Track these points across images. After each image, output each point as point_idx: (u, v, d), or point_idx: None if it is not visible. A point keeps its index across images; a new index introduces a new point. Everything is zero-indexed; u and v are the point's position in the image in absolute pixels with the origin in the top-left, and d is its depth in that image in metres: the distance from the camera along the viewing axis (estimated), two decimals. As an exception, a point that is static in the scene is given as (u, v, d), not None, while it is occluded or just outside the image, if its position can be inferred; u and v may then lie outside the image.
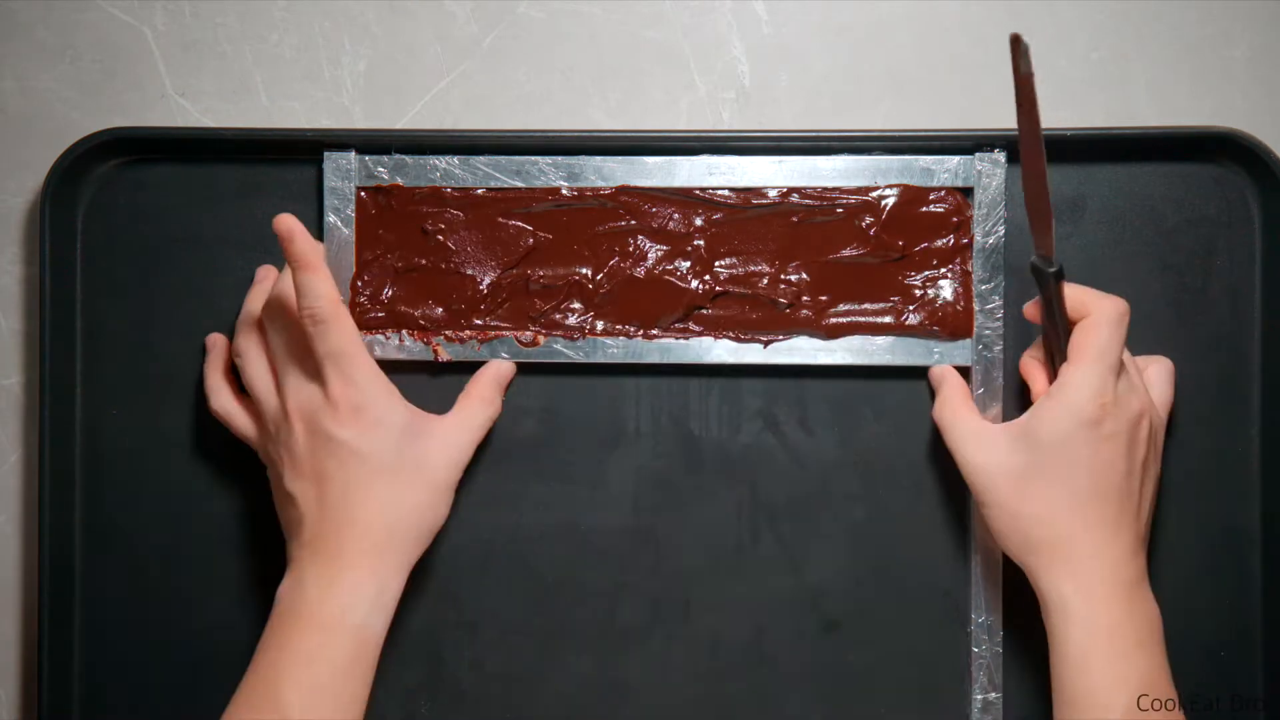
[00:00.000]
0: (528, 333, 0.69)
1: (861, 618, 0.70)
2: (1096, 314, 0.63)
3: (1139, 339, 0.69)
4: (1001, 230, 0.68)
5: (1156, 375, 0.66)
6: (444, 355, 0.69)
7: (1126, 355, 0.64)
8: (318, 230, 0.70)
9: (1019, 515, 0.63)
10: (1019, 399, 0.69)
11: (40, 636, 0.70)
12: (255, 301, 0.68)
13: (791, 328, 0.69)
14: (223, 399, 0.68)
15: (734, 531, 0.70)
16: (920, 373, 0.69)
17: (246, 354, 0.67)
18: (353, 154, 0.69)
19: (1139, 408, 0.63)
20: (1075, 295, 0.64)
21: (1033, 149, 0.59)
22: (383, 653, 0.70)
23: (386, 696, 0.71)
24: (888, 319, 0.69)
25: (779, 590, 0.70)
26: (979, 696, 0.69)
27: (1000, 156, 0.68)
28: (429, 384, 0.70)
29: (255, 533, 0.71)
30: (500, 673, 0.71)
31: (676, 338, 0.69)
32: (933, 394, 0.68)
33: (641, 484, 0.71)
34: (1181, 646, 0.69)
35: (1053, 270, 0.62)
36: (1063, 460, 0.62)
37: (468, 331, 0.69)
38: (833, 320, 0.69)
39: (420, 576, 0.71)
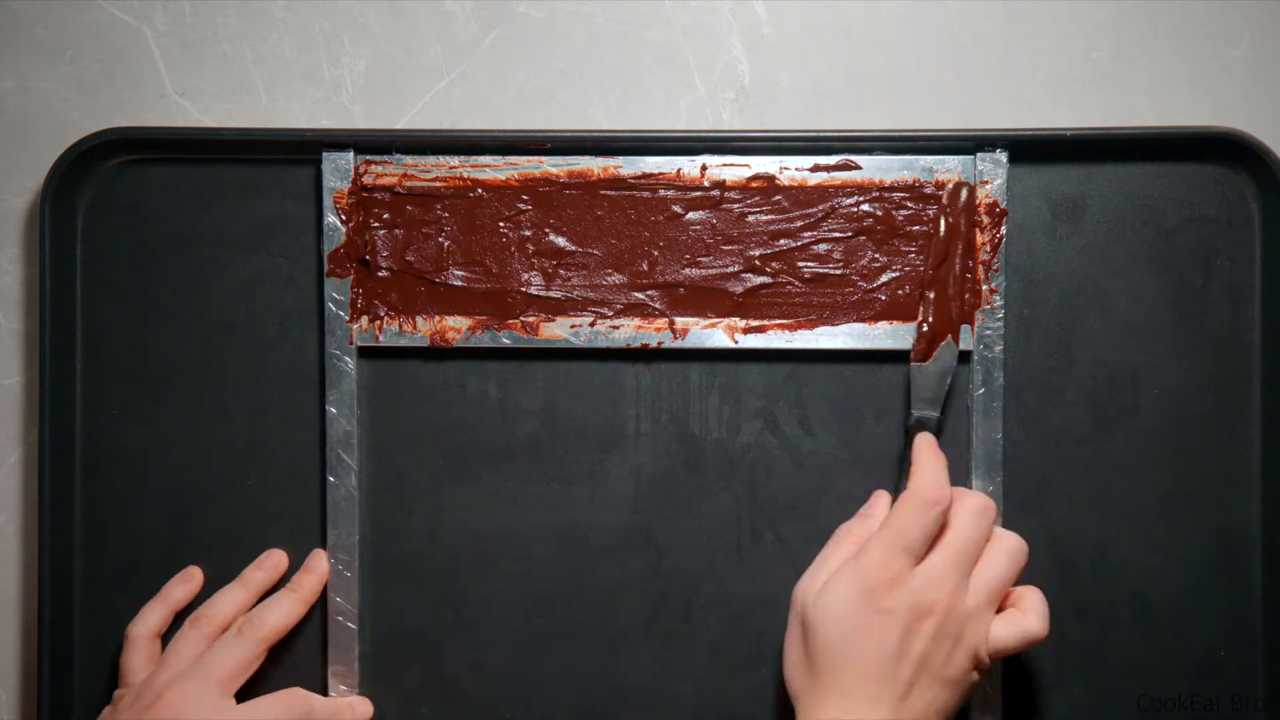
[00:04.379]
0: (528, 321, 0.69)
1: (861, 618, 0.70)
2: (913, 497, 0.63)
3: (1140, 339, 0.69)
4: (1002, 230, 0.68)
5: (1030, 602, 0.64)
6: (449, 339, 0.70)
7: (990, 568, 0.62)
8: (317, 230, 0.70)
9: (792, 650, 0.63)
10: (1019, 399, 0.69)
11: (40, 636, 0.70)
12: (225, 604, 0.69)
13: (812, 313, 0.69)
14: (144, 625, 0.69)
15: (734, 531, 0.70)
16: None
17: (190, 635, 0.68)
18: (352, 154, 0.69)
19: (933, 601, 0.61)
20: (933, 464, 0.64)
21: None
22: (383, 653, 0.71)
23: (386, 696, 0.71)
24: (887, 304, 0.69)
25: (779, 590, 0.70)
26: (979, 696, 0.69)
27: (1001, 156, 0.68)
28: (426, 371, 0.70)
29: (255, 533, 0.71)
30: (500, 673, 0.71)
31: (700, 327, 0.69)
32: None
33: (641, 484, 0.71)
34: (1181, 646, 0.69)
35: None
36: (833, 617, 0.61)
37: (469, 320, 0.69)
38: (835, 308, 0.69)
39: (421, 577, 0.71)
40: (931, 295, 0.67)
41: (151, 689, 0.66)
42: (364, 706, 0.70)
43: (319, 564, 0.70)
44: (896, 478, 0.70)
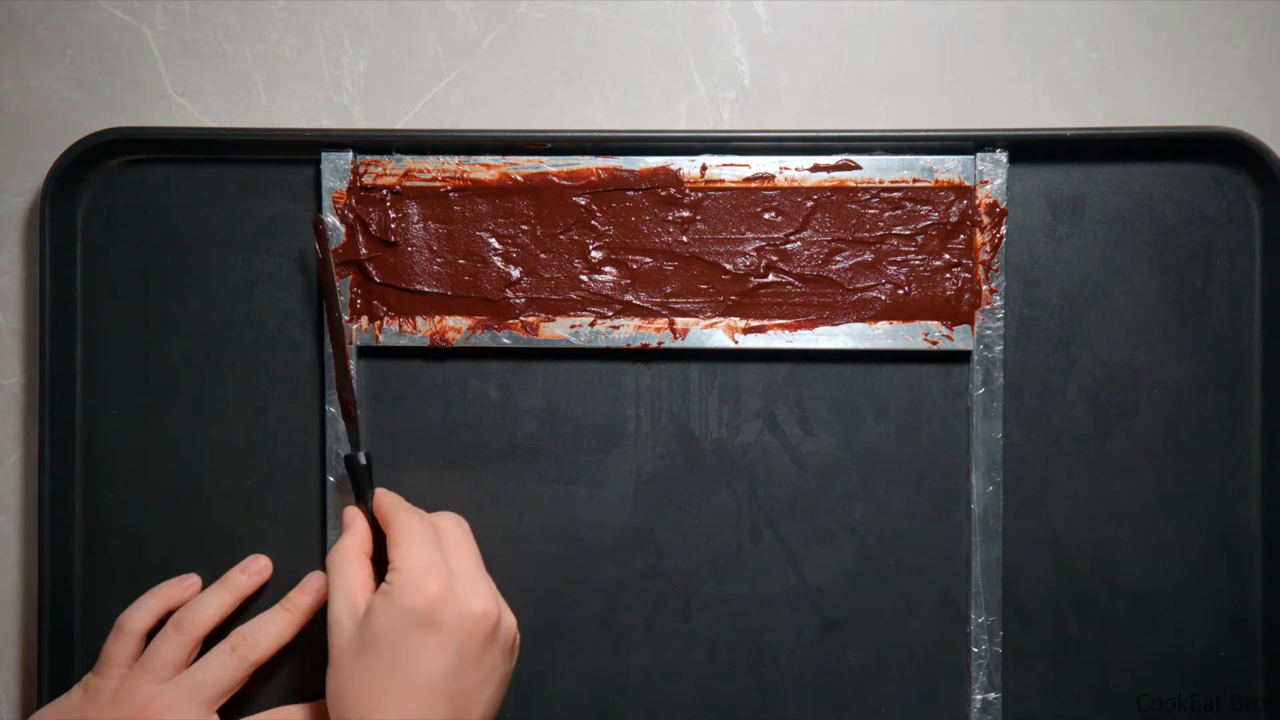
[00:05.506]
0: (530, 319, 0.69)
1: (861, 618, 0.70)
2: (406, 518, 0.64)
3: (1139, 339, 0.69)
4: (1002, 230, 0.68)
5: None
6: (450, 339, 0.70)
7: (473, 563, 0.64)
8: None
9: (344, 688, 0.61)
10: (1019, 399, 0.69)
11: (40, 636, 0.70)
12: (208, 608, 0.69)
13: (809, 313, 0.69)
14: (138, 619, 0.69)
15: (734, 531, 0.70)
16: (919, 360, 0.69)
17: (172, 638, 0.68)
18: (351, 154, 0.69)
19: (482, 608, 0.61)
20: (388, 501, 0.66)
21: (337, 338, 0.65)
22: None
23: (386, 696, 0.71)
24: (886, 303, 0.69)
25: (779, 590, 0.70)
26: (979, 696, 0.69)
27: (1001, 156, 0.68)
28: (426, 371, 0.70)
29: (255, 533, 0.71)
30: (500, 673, 0.71)
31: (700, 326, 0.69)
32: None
33: (641, 484, 0.71)
34: (1181, 646, 0.69)
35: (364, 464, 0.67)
36: (390, 648, 0.60)
37: (469, 320, 0.69)
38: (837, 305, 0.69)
39: (420, 576, 0.71)
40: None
41: (137, 695, 0.66)
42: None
43: (316, 585, 0.70)
44: (895, 478, 0.70)
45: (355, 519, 0.67)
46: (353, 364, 0.69)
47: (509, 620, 0.64)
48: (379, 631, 0.60)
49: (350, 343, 0.69)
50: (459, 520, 0.66)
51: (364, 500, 0.67)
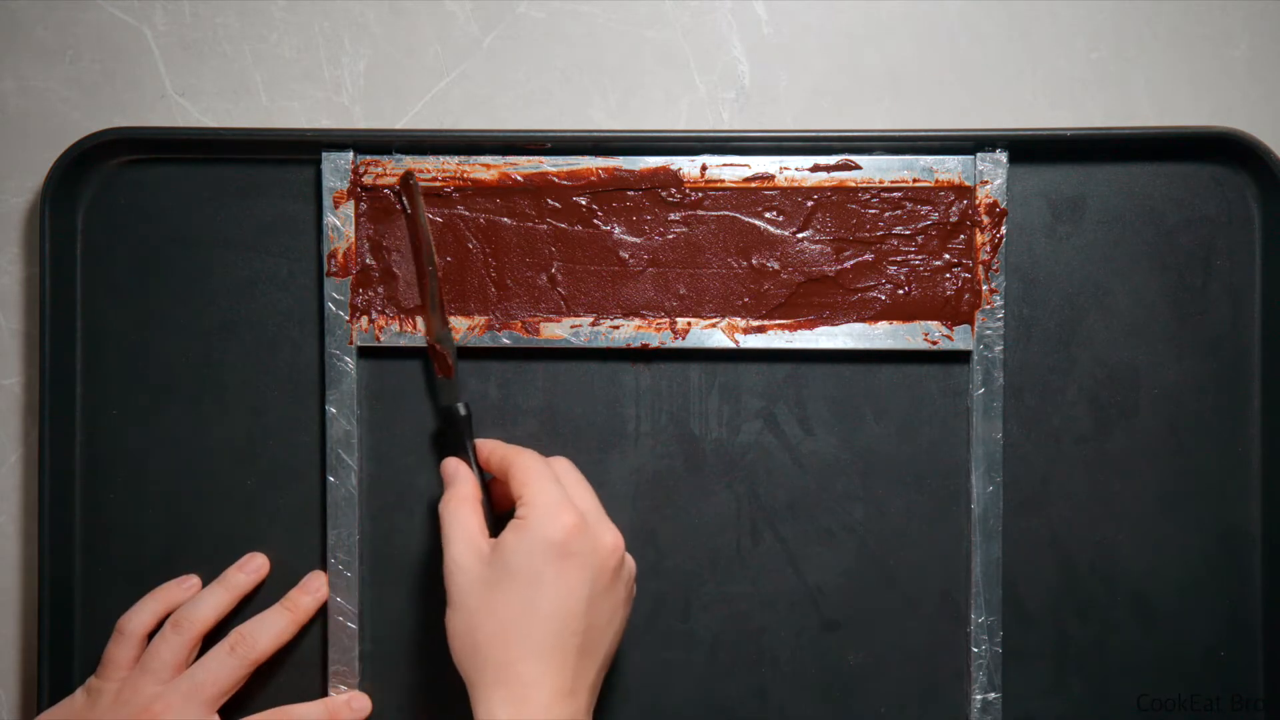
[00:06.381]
0: (531, 320, 0.69)
1: (861, 617, 0.70)
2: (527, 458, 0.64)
3: (1140, 339, 0.69)
4: (1002, 230, 0.68)
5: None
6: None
7: (595, 501, 0.65)
8: (317, 230, 0.70)
9: (477, 627, 0.61)
10: (1019, 399, 0.69)
11: (40, 636, 0.70)
12: (207, 607, 0.69)
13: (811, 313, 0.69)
14: (138, 621, 0.69)
15: (734, 531, 0.70)
16: (919, 360, 0.69)
17: (170, 639, 0.68)
18: (351, 154, 0.69)
19: (612, 541, 0.62)
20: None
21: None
22: (383, 653, 0.70)
23: (386, 696, 0.71)
24: (886, 303, 0.69)
25: (779, 590, 0.70)
26: (979, 696, 0.69)
27: (1001, 156, 0.68)
28: (426, 371, 0.70)
29: (255, 533, 0.71)
30: (500, 673, 0.71)
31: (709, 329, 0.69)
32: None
33: (641, 484, 0.71)
34: (1181, 646, 0.69)
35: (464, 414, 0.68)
36: (526, 579, 0.60)
37: (469, 320, 0.69)
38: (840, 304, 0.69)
39: (421, 577, 0.71)
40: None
41: (138, 696, 0.66)
42: (361, 702, 0.70)
43: (317, 585, 0.70)
44: (895, 478, 0.70)
45: (460, 468, 0.67)
46: (353, 365, 0.69)
47: (630, 558, 0.65)
48: (515, 565, 0.61)
49: (350, 342, 0.70)
50: (572, 464, 0.66)
51: (464, 451, 0.67)
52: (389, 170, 0.69)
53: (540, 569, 0.60)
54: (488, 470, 0.67)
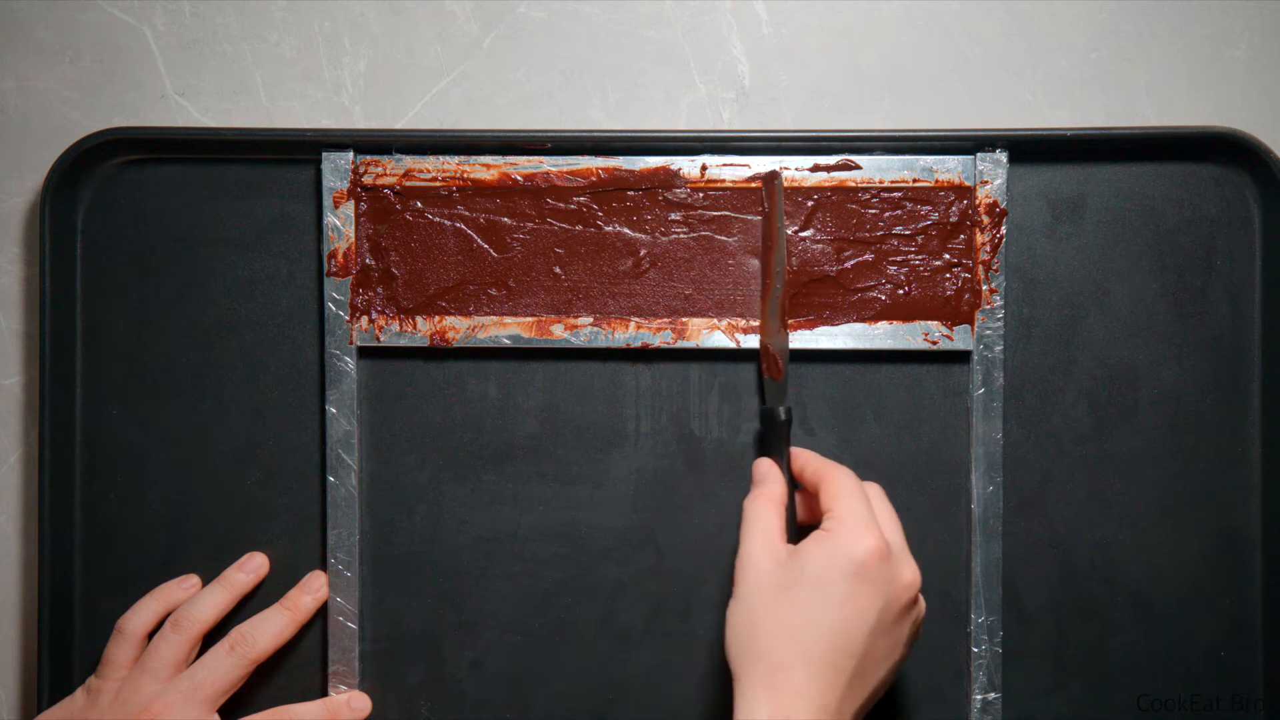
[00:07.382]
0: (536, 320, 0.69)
1: (861, 618, 0.70)
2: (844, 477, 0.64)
3: (1140, 339, 0.69)
4: (1002, 230, 0.68)
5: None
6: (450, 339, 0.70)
7: (901, 534, 0.64)
8: (317, 230, 0.70)
9: (758, 624, 0.61)
10: (1019, 399, 0.69)
11: (40, 636, 0.70)
12: (206, 606, 0.69)
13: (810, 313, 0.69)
14: (138, 620, 0.69)
15: (734, 531, 0.70)
16: (919, 360, 0.69)
17: (170, 638, 0.68)
18: (351, 154, 0.69)
19: (911, 578, 0.62)
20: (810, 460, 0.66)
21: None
22: (382, 653, 0.70)
23: (386, 696, 0.71)
24: (887, 303, 0.69)
25: (779, 590, 0.70)
26: (979, 696, 0.69)
27: (1001, 156, 0.68)
28: (426, 371, 0.70)
29: (255, 533, 0.71)
30: (500, 673, 0.71)
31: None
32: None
33: (641, 484, 0.71)
34: (1181, 646, 0.69)
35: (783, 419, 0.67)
36: (819, 590, 0.60)
37: (469, 320, 0.69)
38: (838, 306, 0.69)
39: (421, 577, 0.71)
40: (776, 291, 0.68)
41: (138, 695, 0.66)
42: (361, 702, 0.70)
43: (316, 585, 0.70)
44: (895, 478, 0.70)
45: (772, 470, 0.66)
46: (353, 365, 0.69)
47: (922, 602, 0.64)
48: (811, 573, 0.60)
49: (350, 342, 0.70)
50: (884, 493, 0.66)
51: (778, 455, 0.67)
52: (389, 170, 0.69)
53: (835, 583, 0.60)
54: (799, 480, 0.66)
